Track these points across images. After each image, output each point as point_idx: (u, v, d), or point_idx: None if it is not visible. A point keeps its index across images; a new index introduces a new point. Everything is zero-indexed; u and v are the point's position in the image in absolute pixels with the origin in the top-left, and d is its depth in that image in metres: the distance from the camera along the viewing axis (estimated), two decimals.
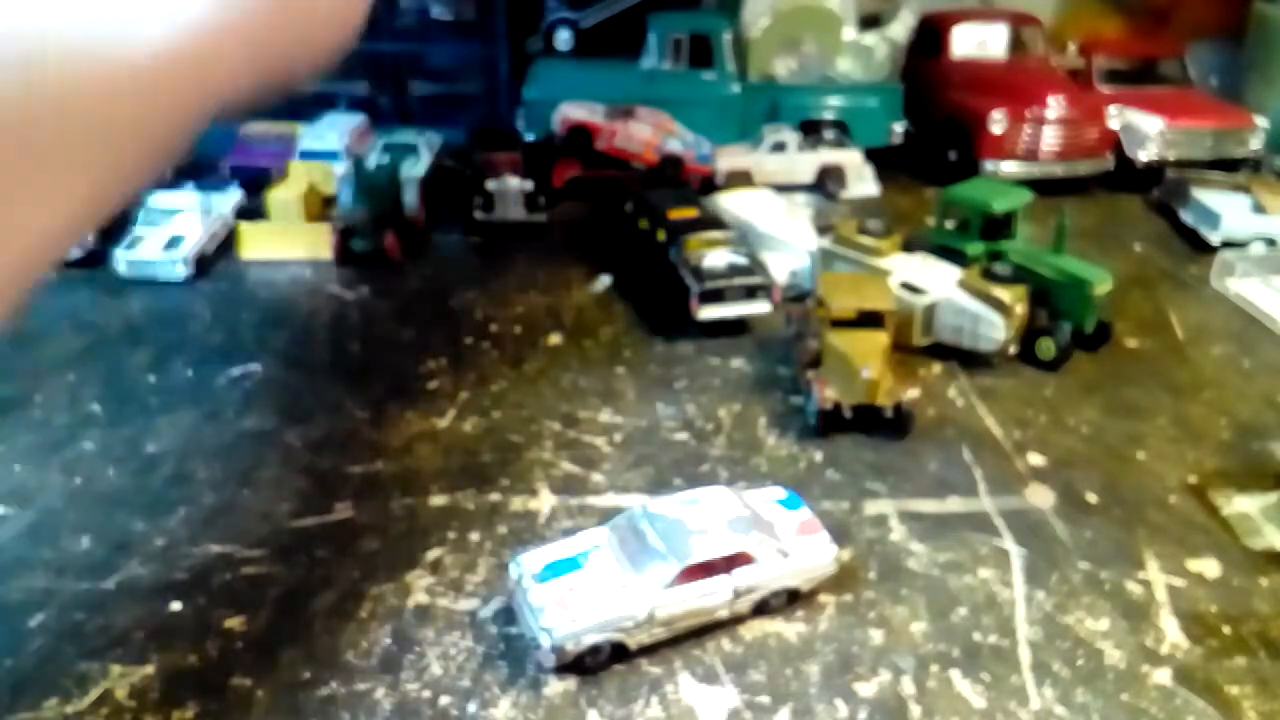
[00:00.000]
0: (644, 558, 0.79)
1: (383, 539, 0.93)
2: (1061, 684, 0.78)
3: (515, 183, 1.61)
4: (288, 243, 1.52)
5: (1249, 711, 0.76)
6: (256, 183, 1.64)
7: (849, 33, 2.02)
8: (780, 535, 0.84)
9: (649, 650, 0.80)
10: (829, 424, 1.09)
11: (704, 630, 0.82)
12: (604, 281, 1.48)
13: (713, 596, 0.79)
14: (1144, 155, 1.88)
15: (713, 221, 1.42)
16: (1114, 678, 0.79)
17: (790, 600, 0.84)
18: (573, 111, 1.79)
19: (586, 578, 0.79)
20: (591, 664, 0.77)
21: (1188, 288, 1.51)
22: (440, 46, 2.04)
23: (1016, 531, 0.96)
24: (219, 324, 1.32)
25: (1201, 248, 1.61)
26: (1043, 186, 1.63)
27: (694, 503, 0.83)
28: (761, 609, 0.82)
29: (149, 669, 0.78)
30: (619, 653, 0.77)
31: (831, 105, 1.94)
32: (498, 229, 1.60)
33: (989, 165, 1.84)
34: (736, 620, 0.82)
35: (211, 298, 1.40)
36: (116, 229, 1.49)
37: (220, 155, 1.74)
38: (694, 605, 0.78)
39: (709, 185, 1.72)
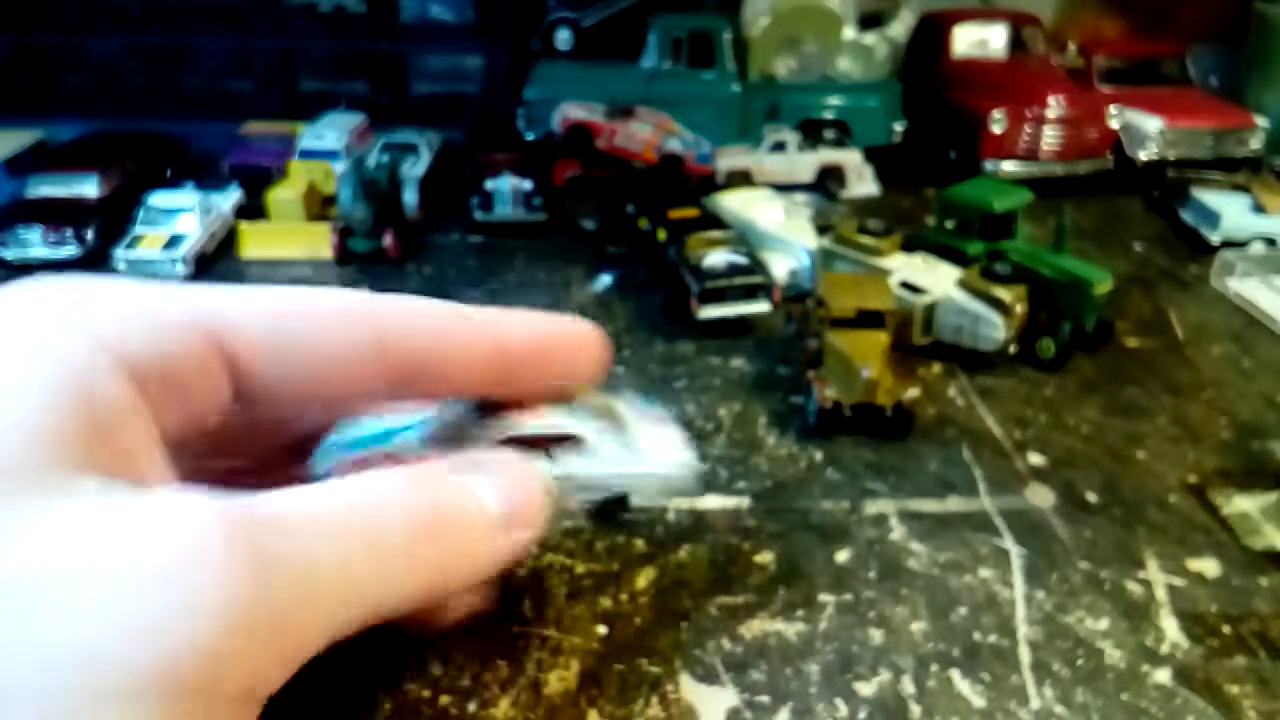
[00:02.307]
0: (453, 435, 0.59)
1: None
2: (1061, 684, 0.78)
3: (515, 182, 1.61)
4: (288, 242, 1.52)
5: (1249, 711, 0.76)
6: (256, 182, 1.64)
7: (849, 32, 2.02)
8: (627, 427, 0.65)
9: (649, 651, 0.80)
10: (829, 424, 1.09)
11: (704, 629, 0.82)
12: (604, 281, 1.48)
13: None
14: (1144, 155, 1.88)
15: (713, 221, 1.42)
16: (1114, 677, 0.79)
17: (619, 503, 0.71)
18: (573, 111, 1.79)
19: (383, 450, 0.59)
20: None
21: (1188, 288, 1.51)
22: (440, 46, 2.04)
23: (1016, 531, 0.96)
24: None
25: (1201, 248, 1.61)
26: (1043, 186, 1.63)
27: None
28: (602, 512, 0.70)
29: None
30: None
31: (831, 105, 1.94)
32: (497, 228, 1.60)
33: (989, 165, 1.84)
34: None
35: None
36: (117, 228, 1.49)
37: (220, 154, 1.74)
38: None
39: (709, 185, 1.72)
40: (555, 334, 0.53)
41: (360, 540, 0.37)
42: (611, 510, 0.67)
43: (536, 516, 0.46)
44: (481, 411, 0.57)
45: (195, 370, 0.39)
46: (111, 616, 0.27)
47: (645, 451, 0.64)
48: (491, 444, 0.56)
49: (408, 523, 0.39)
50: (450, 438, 0.56)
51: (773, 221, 1.49)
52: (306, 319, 0.43)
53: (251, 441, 0.52)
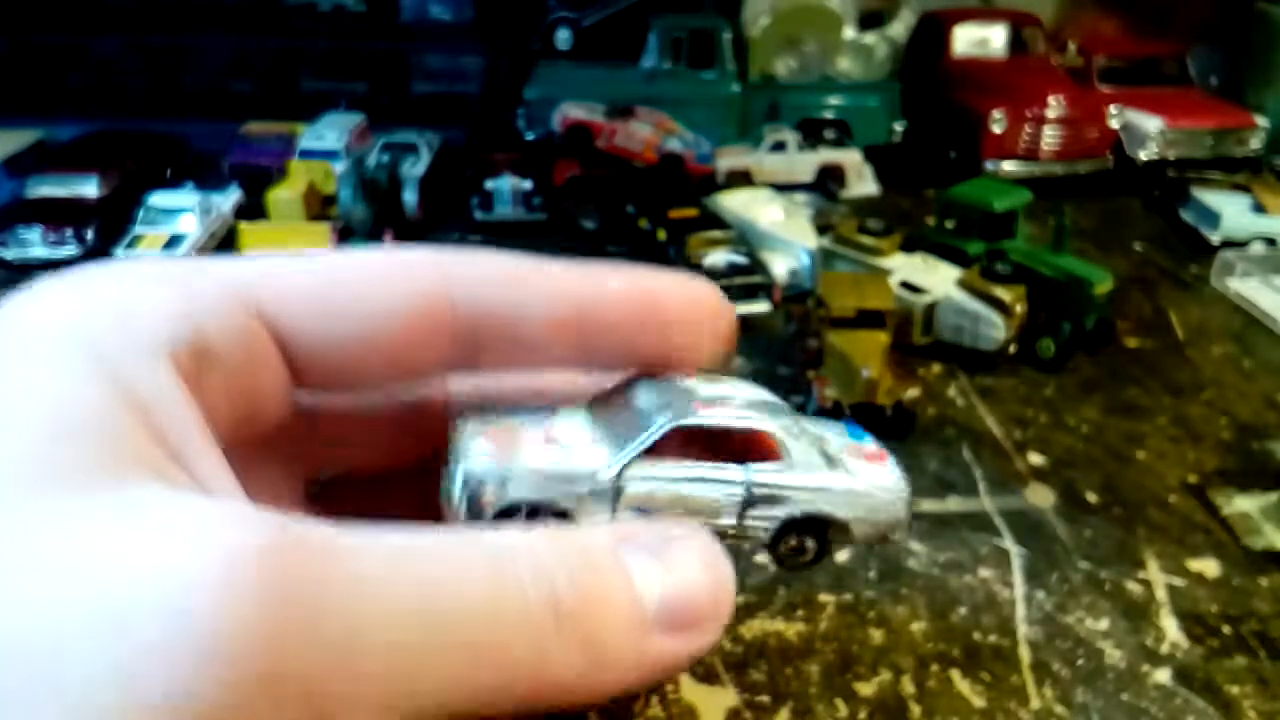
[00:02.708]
0: (625, 419, 0.46)
1: None
2: (1061, 684, 0.78)
3: (515, 182, 1.61)
4: (288, 242, 1.52)
5: (1249, 711, 0.76)
6: (256, 182, 1.64)
7: (849, 32, 2.02)
8: (831, 448, 0.50)
9: None
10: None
11: None
12: None
13: (711, 486, 0.45)
14: (1144, 155, 1.88)
15: (713, 221, 1.42)
16: (1114, 677, 0.79)
17: (820, 550, 0.47)
18: (573, 111, 1.79)
19: (544, 430, 0.46)
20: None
21: (1188, 288, 1.51)
22: (440, 46, 2.04)
23: (1016, 531, 0.96)
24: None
25: (1201, 248, 1.61)
26: (1043, 186, 1.63)
27: (716, 382, 0.49)
28: (782, 545, 0.46)
29: None
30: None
31: (831, 105, 1.94)
32: (497, 228, 1.60)
33: (989, 164, 1.84)
34: (748, 543, 0.51)
35: None
36: (117, 228, 1.49)
37: (220, 154, 1.74)
38: (682, 489, 0.44)
39: (709, 185, 1.72)
40: (656, 293, 0.40)
41: (454, 614, 0.27)
42: (820, 548, 0.47)
43: (708, 622, 0.32)
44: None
45: (241, 349, 0.32)
46: (75, 625, 0.21)
47: (854, 469, 0.47)
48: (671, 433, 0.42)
49: (537, 600, 0.29)
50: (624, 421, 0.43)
51: (773, 221, 1.49)
52: (357, 276, 0.36)
53: (318, 442, 0.42)
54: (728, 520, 0.45)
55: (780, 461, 0.45)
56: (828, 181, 1.82)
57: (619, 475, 0.41)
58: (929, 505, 1.00)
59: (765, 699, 0.77)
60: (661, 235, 1.38)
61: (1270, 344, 1.34)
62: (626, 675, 0.31)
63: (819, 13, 2.00)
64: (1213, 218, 1.62)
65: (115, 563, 0.23)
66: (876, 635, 0.83)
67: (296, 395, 0.37)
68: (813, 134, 1.86)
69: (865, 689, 0.78)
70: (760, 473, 0.44)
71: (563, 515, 0.43)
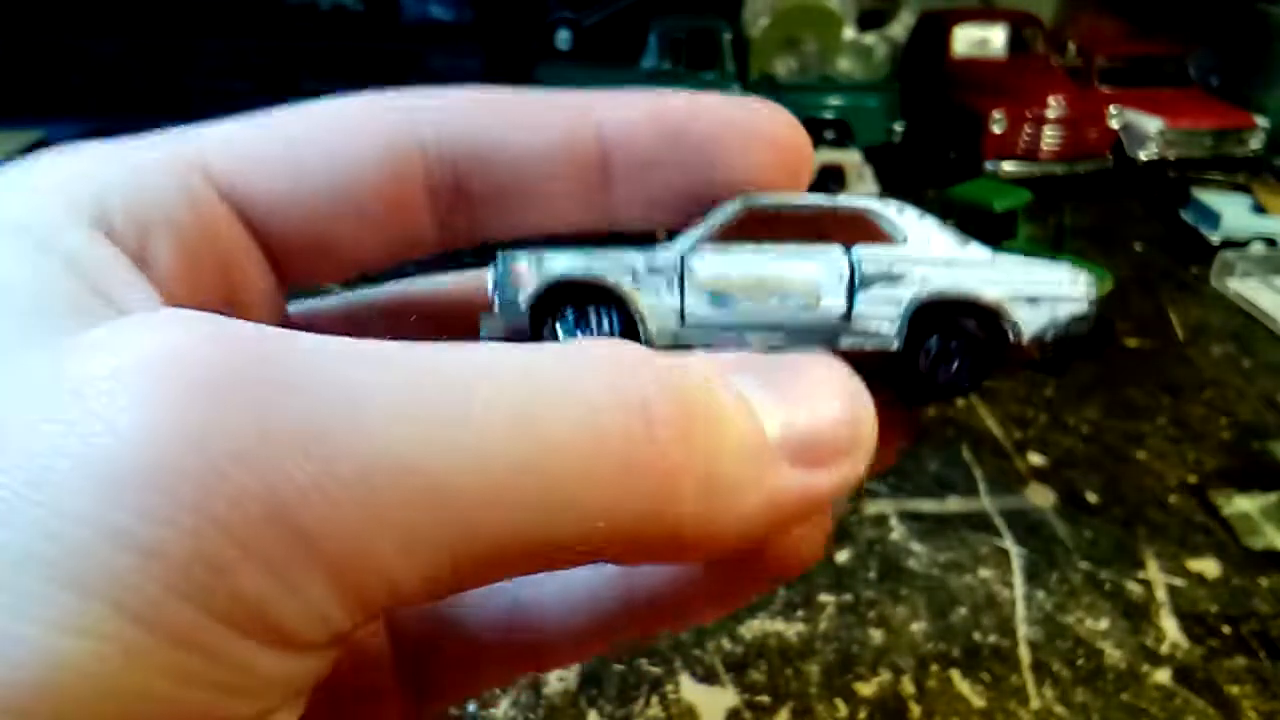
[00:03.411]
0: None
1: None
2: (1061, 684, 0.78)
3: None
4: None
5: (1249, 711, 0.76)
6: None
7: (849, 32, 2.02)
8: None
9: (649, 651, 0.80)
10: None
11: (704, 629, 0.82)
12: None
13: (804, 260, 0.30)
14: (1144, 155, 1.88)
15: None
16: (1114, 677, 0.79)
17: (993, 346, 0.30)
18: None
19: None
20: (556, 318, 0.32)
21: (1188, 288, 1.51)
22: (440, 47, 2.04)
23: (1016, 531, 0.96)
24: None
25: (1201, 248, 1.61)
26: (1043, 186, 1.63)
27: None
28: (921, 353, 0.30)
29: None
30: (618, 309, 0.31)
31: (831, 105, 1.94)
32: None
33: (989, 164, 1.84)
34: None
35: None
36: None
37: None
38: (766, 267, 0.31)
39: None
40: (698, 110, 0.31)
41: (485, 413, 0.20)
42: (980, 349, 0.30)
43: (847, 453, 0.25)
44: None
45: (189, 212, 0.27)
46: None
47: (1006, 260, 0.32)
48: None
49: (618, 401, 0.22)
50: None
51: None
52: (311, 125, 0.30)
53: None
54: (834, 302, 0.30)
55: (892, 243, 0.31)
56: (828, 182, 1.82)
57: (683, 255, 0.30)
58: (929, 505, 1.00)
59: (765, 699, 0.77)
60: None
61: (1270, 344, 1.34)
62: (753, 512, 0.23)
63: (819, 13, 2.00)
64: (1213, 218, 1.62)
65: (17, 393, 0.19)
66: (876, 635, 0.83)
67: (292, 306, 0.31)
68: (813, 134, 1.85)
69: (865, 689, 0.78)
70: (869, 249, 0.30)
71: (618, 304, 0.31)
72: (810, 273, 0.30)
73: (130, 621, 0.17)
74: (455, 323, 0.24)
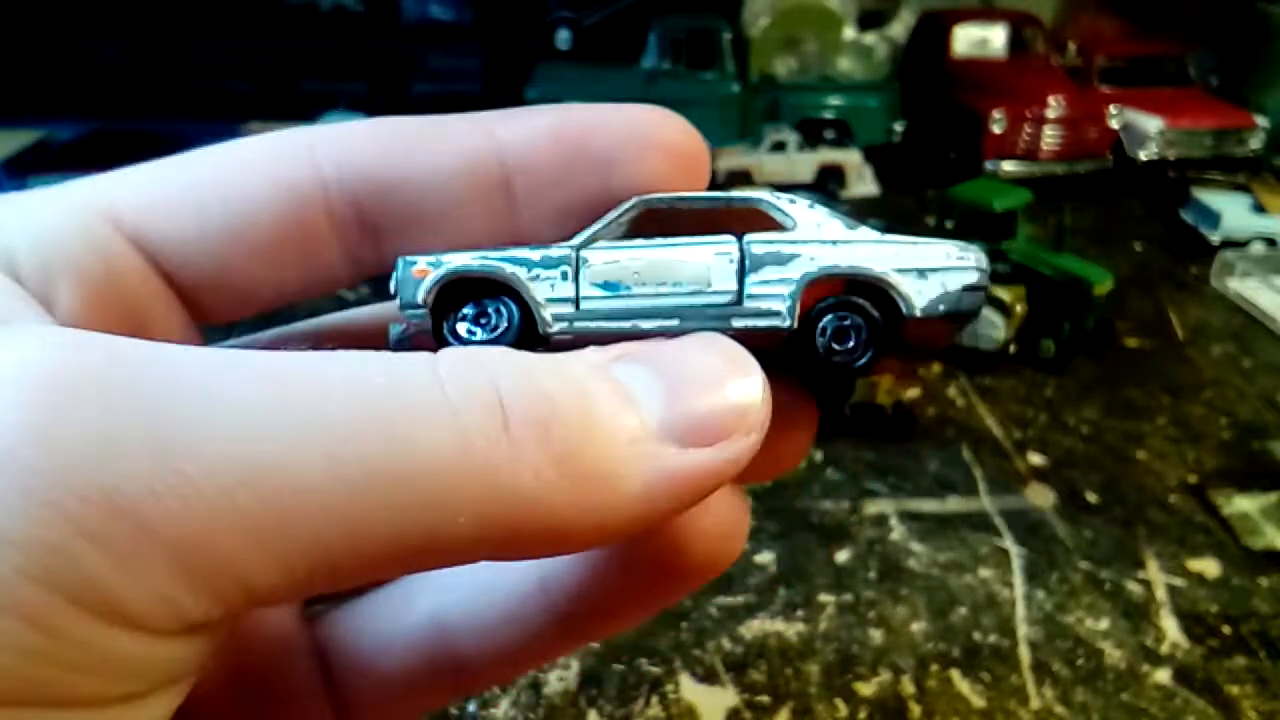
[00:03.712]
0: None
1: None
2: (1061, 684, 0.78)
3: None
4: None
5: (1249, 711, 0.76)
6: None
7: (849, 32, 2.02)
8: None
9: (649, 651, 0.80)
10: (829, 424, 1.09)
11: (704, 629, 0.82)
12: None
13: (696, 249, 0.31)
14: (1144, 155, 1.88)
15: None
16: (1114, 677, 0.79)
17: (871, 333, 0.30)
18: None
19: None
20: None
21: (1188, 288, 1.51)
22: (440, 47, 2.04)
23: (1016, 531, 0.96)
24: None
25: (1201, 248, 1.61)
26: (1043, 186, 1.63)
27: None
28: (815, 331, 0.30)
29: None
30: (516, 302, 0.31)
31: (831, 105, 1.94)
32: None
33: (989, 164, 1.84)
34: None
35: None
36: None
37: None
38: (659, 254, 0.31)
39: (709, 185, 1.72)
40: (592, 123, 0.31)
41: (327, 416, 0.21)
42: (870, 329, 0.30)
43: (738, 427, 0.24)
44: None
45: (95, 256, 0.28)
46: None
47: (891, 237, 0.32)
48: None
49: (456, 410, 0.22)
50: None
51: None
52: (213, 169, 0.30)
53: None
54: (725, 286, 0.31)
55: (783, 230, 0.31)
56: (828, 181, 1.82)
57: (579, 248, 0.30)
58: (929, 505, 1.00)
59: (765, 699, 0.77)
60: None
61: (1270, 344, 1.34)
62: (636, 495, 0.23)
63: (819, 13, 2.00)
64: (1213, 218, 1.62)
65: None
66: (876, 635, 0.83)
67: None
68: (813, 134, 1.86)
69: (865, 689, 0.78)
70: (758, 235, 0.31)
71: (515, 297, 0.31)
72: (701, 258, 0.30)
73: None
74: (370, 345, 0.24)
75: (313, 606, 0.35)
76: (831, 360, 0.30)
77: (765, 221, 0.31)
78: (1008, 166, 1.84)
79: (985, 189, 1.40)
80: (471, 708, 0.75)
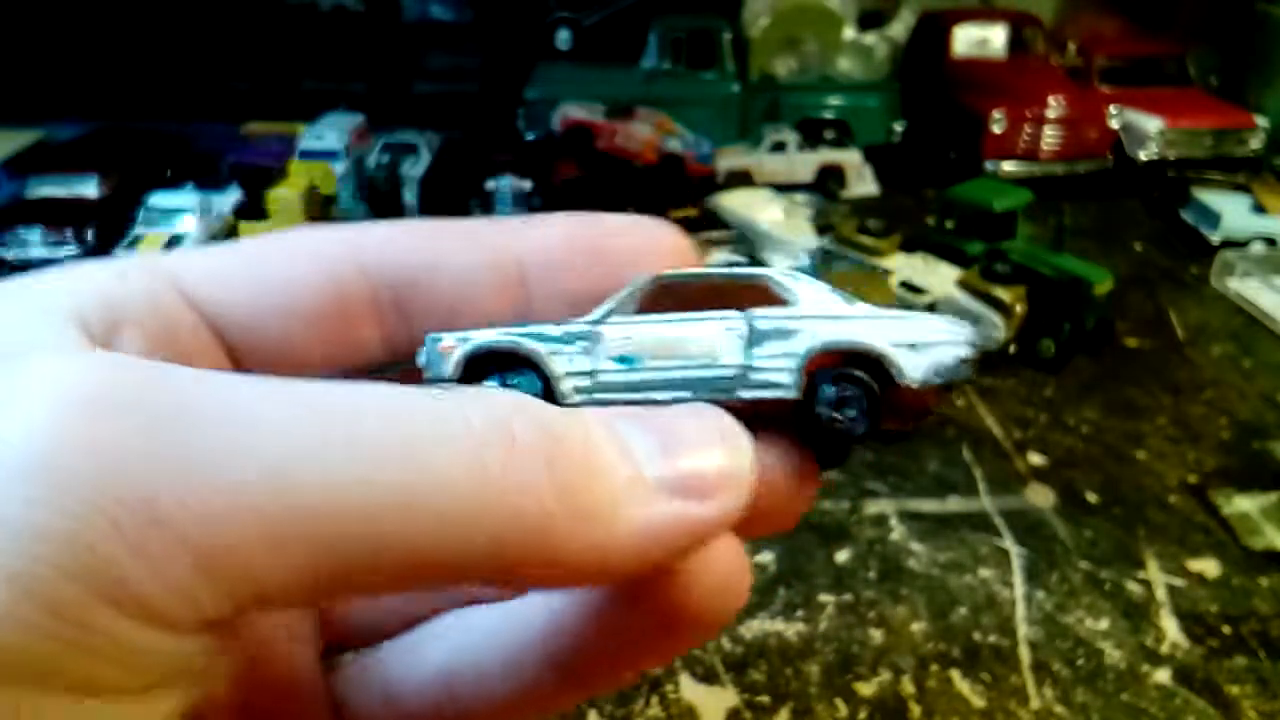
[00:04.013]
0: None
1: None
2: (1061, 684, 0.78)
3: (515, 182, 1.61)
4: None
5: (1249, 711, 0.76)
6: (256, 182, 1.64)
7: (849, 32, 2.02)
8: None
9: None
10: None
11: None
12: None
13: (704, 324, 0.35)
14: (1144, 155, 1.88)
15: (713, 221, 1.42)
16: (1114, 677, 0.79)
17: (868, 404, 0.33)
18: (573, 111, 1.79)
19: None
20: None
21: (1188, 288, 1.51)
22: (440, 47, 2.04)
23: (1016, 531, 0.96)
24: None
25: (1201, 248, 1.61)
26: (1043, 186, 1.63)
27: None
28: (817, 402, 0.33)
29: None
30: (537, 374, 0.36)
31: (831, 105, 1.94)
32: None
33: (989, 164, 1.84)
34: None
35: None
36: (117, 228, 1.49)
37: (220, 154, 1.75)
38: (669, 330, 0.35)
39: (709, 185, 1.72)
40: (603, 233, 0.36)
41: (355, 436, 0.23)
42: (867, 400, 0.33)
43: (724, 483, 0.27)
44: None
45: (156, 314, 0.31)
46: None
47: (887, 311, 0.36)
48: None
49: (473, 435, 0.24)
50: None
51: (773, 221, 1.49)
52: (270, 251, 0.35)
53: None
54: (732, 360, 0.34)
55: (786, 305, 0.35)
56: (828, 181, 1.82)
57: (596, 324, 0.34)
58: (929, 505, 1.00)
59: (765, 699, 0.77)
60: None
61: (1270, 344, 1.34)
62: (630, 536, 0.26)
63: (819, 13, 2.00)
64: (1213, 218, 1.62)
65: None
66: (876, 635, 0.83)
67: None
68: (813, 134, 1.86)
69: (865, 689, 0.78)
70: (763, 311, 0.34)
71: (536, 370, 0.35)
72: (709, 333, 0.34)
73: (20, 593, 0.20)
74: None
75: (332, 657, 0.37)
76: (834, 428, 0.33)
77: (770, 297, 0.35)
78: (1008, 166, 1.84)
79: (985, 189, 1.41)
80: None
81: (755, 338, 0.33)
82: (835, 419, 0.33)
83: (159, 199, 1.52)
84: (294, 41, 2.01)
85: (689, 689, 0.77)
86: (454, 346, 0.34)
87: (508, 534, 0.24)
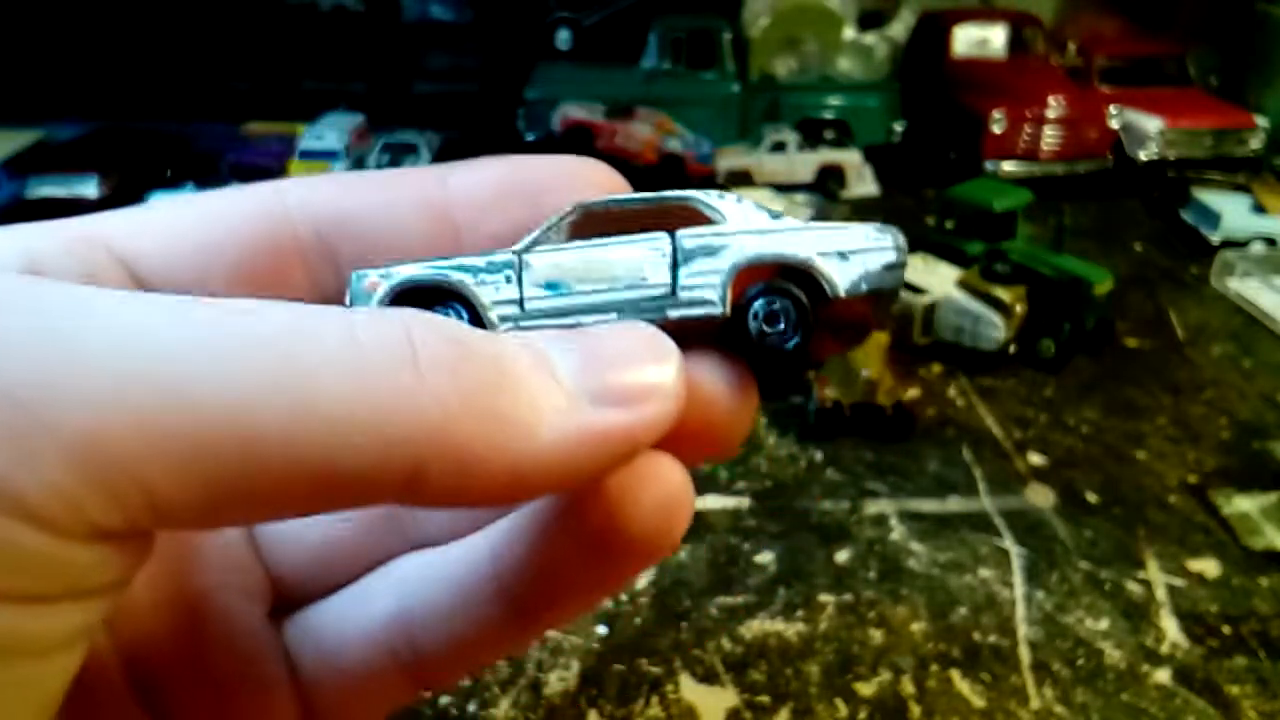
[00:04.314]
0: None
1: None
2: (1061, 684, 0.78)
3: None
4: None
5: (1249, 711, 0.76)
6: (257, 182, 1.64)
7: (849, 32, 2.02)
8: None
9: (649, 651, 0.80)
10: (829, 424, 1.09)
11: (704, 629, 0.82)
12: None
13: (630, 246, 0.34)
14: (1144, 155, 1.88)
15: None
16: (1114, 677, 0.79)
17: (801, 317, 0.33)
18: (573, 111, 1.79)
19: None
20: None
21: (1188, 288, 1.51)
22: (440, 47, 2.04)
23: (1016, 531, 0.96)
24: None
25: (1201, 248, 1.61)
26: (1043, 186, 1.63)
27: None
28: (748, 317, 0.33)
29: None
30: (465, 307, 0.34)
31: (831, 105, 1.94)
32: None
33: (989, 164, 1.84)
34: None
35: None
36: None
37: (220, 154, 1.75)
38: (595, 253, 0.34)
39: (709, 185, 1.72)
40: (530, 167, 0.36)
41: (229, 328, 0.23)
42: (800, 313, 0.33)
43: (650, 391, 0.26)
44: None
45: (80, 268, 0.31)
46: None
47: (816, 225, 0.35)
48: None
49: (365, 344, 0.24)
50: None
51: None
52: (197, 208, 0.35)
53: None
54: (659, 279, 0.33)
55: (713, 225, 0.34)
56: (828, 181, 1.82)
57: (521, 252, 0.33)
58: (929, 505, 1.00)
59: (765, 699, 0.77)
60: None
61: (1270, 344, 1.34)
62: (554, 444, 0.25)
63: (819, 13, 2.00)
64: (1213, 218, 1.62)
65: None
66: (876, 635, 0.83)
67: None
68: (813, 134, 1.86)
69: (865, 689, 0.78)
70: (689, 231, 0.34)
71: (464, 302, 0.34)
72: (635, 254, 0.33)
73: None
74: None
75: (283, 616, 0.37)
76: (764, 343, 0.32)
77: (698, 218, 0.34)
78: (1008, 166, 1.84)
79: (985, 189, 1.41)
80: (471, 708, 0.75)
81: (682, 257, 0.33)
82: (765, 332, 0.32)
83: (159, 199, 1.52)
84: (294, 41, 2.01)
85: (689, 689, 0.77)
86: (379, 283, 0.33)
87: (404, 436, 0.23)
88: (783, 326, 0.32)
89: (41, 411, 0.20)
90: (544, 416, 0.25)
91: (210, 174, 1.70)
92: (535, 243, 0.33)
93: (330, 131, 1.74)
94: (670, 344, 0.28)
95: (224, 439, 0.22)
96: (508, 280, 0.33)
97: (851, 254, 0.33)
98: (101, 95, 2.01)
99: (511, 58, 2.02)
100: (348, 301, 0.33)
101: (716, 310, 0.32)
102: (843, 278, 0.32)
